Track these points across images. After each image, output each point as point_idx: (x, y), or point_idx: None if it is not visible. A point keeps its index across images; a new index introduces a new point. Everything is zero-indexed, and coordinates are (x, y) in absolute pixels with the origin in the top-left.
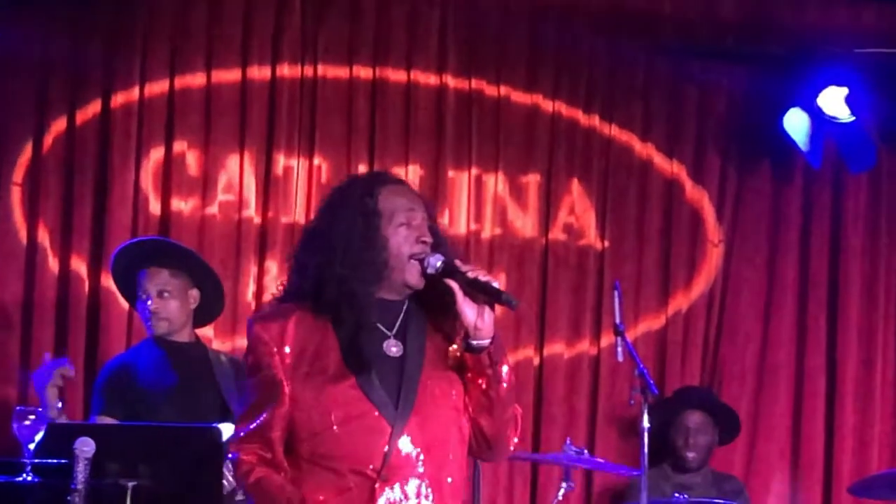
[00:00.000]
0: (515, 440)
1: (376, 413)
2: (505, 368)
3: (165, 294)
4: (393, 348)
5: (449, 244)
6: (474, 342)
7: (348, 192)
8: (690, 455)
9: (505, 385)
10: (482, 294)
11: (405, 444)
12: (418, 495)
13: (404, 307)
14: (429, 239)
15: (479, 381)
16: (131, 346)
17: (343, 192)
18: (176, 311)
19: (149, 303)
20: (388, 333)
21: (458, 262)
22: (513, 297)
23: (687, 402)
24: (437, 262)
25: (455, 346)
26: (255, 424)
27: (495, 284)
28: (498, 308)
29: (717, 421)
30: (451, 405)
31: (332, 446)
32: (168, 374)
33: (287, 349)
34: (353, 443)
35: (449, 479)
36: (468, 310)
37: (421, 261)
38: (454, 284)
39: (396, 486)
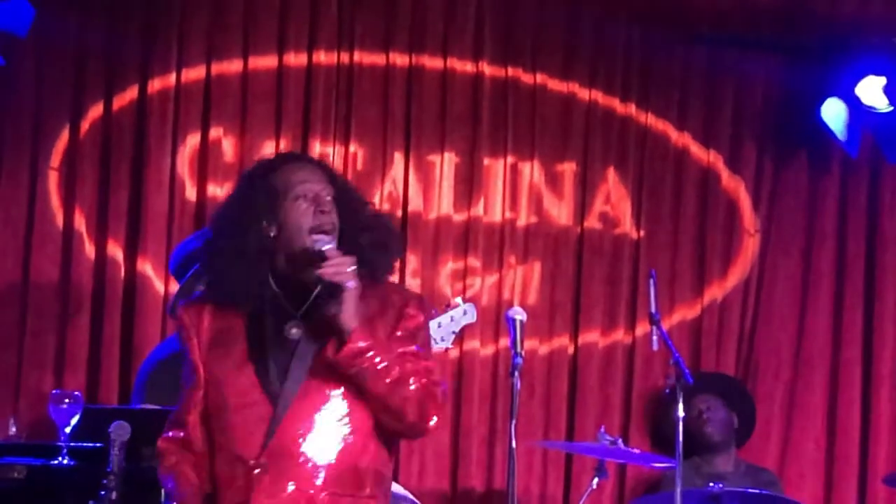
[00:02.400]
0: (433, 420)
1: (266, 399)
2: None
3: None
4: (293, 330)
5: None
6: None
7: (250, 172)
8: (709, 430)
9: (360, 375)
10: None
11: (287, 430)
12: (297, 482)
13: (317, 288)
14: (327, 208)
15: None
16: (174, 335)
17: (246, 173)
18: None
19: None
20: (295, 314)
21: (330, 254)
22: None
23: (693, 389)
24: (322, 245)
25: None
26: (176, 408)
27: (328, 280)
28: (534, 295)
29: (728, 398)
30: (340, 389)
31: (227, 433)
32: None
33: (203, 332)
34: (241, 430)
35: (332, 461)
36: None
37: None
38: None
39: (277, 475)
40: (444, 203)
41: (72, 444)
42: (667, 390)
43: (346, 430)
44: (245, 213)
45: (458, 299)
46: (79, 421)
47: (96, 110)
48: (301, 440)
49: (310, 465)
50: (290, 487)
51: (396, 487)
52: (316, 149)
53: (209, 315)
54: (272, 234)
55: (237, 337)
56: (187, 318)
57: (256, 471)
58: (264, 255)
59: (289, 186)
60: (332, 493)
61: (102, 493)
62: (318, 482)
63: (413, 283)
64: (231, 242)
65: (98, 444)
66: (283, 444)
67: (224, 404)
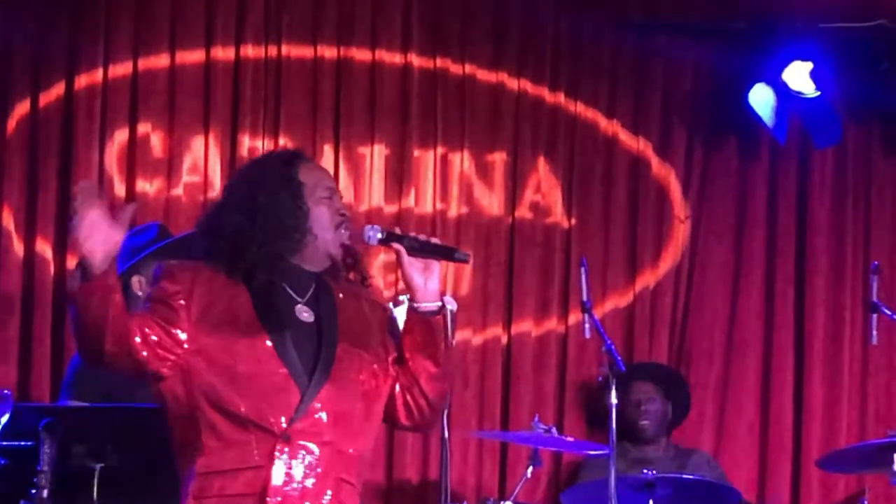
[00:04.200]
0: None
1: (285, 372)
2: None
3: None
4: (304, 314)
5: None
6: (420, 305)
7: (268, 163)
8: (644, 423)
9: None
10: (433, 254)
11: (315, 409)
12: (316, 460)
13: (315, 279)
14: (347, 213)
15: (427, 346)
16: None
17: (262, 164)
18: None
19: None
20: (299, 300)
21: (397, 229)
22: (463, 252)
23: (632, 375)
24: (376, 232)
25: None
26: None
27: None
28: (466, 286)
29: (666, 389)
30: (361, 380)
31: (236, 396)
32: None
33: (195, 299)
34: (258, 396)
35: (350, 450)
36: (414, 273)
37: (350, 233)
38: (400, 248)
39: (298, 449)
40: (375, 195)
41: (2, 443)
42: (599, 378)
43: (368, 419)
44: (270, 198)
45: (405, 297)
46: (8, 420)
47: (23, 107)
48: (327, 421)
49: (331, 447)
50: (308, 465)
51: None
52: (245, 142)
53: (202, 284)
54: (295, 223)
55: (244, 308)
56: (175, 284)
57: (278, 445)
58: (292, 238)
59: (315, 183)
60: (341, 479)
61: (33, 491)
62: (336, 465)
63: None
64: (253, 222)
65: (28, 443)
66: (310, 422)
67: (233, 370)
